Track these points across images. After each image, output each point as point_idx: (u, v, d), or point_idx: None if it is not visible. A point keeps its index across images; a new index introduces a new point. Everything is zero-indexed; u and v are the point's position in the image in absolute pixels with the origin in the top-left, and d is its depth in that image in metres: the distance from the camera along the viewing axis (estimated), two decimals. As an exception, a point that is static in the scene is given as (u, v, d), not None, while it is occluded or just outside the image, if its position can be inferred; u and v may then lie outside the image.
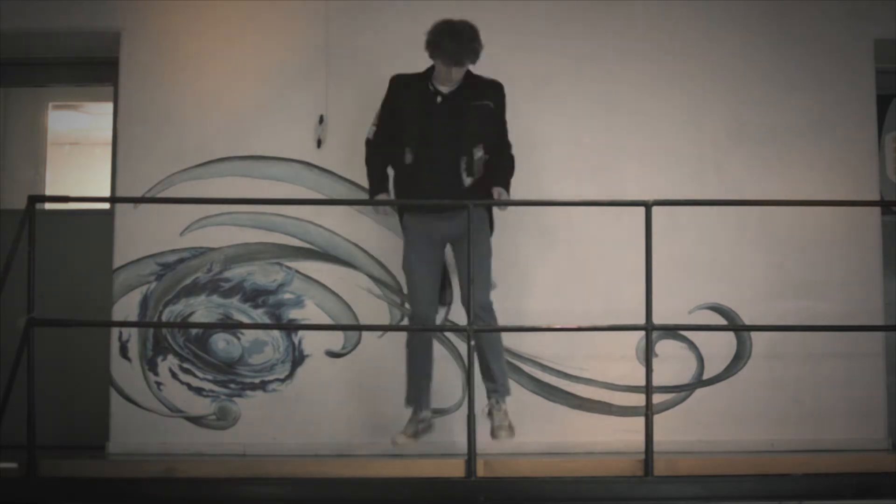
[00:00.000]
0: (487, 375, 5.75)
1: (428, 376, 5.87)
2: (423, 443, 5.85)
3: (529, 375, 6.41)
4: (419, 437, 5.82)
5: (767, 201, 6.22)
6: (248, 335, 6.43)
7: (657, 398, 6.16)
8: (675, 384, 6.40)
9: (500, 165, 5.81)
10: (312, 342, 6.41)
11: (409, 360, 5.85)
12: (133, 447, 6.25)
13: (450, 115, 5.74)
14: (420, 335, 5.82)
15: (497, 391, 5.76)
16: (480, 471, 5.09)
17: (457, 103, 5.75)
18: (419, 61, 5.79)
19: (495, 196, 5.69)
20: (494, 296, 5.85)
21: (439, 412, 6.14)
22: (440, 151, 5.71)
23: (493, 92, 5.83)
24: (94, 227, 6.67)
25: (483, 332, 5.64)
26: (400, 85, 5.86)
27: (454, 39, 5.62)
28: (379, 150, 5.88)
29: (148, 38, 6.56)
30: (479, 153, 5.77)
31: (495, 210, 5.91)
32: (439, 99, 5.75)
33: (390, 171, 5.92)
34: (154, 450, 6.23)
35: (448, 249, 5.96)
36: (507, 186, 5.77)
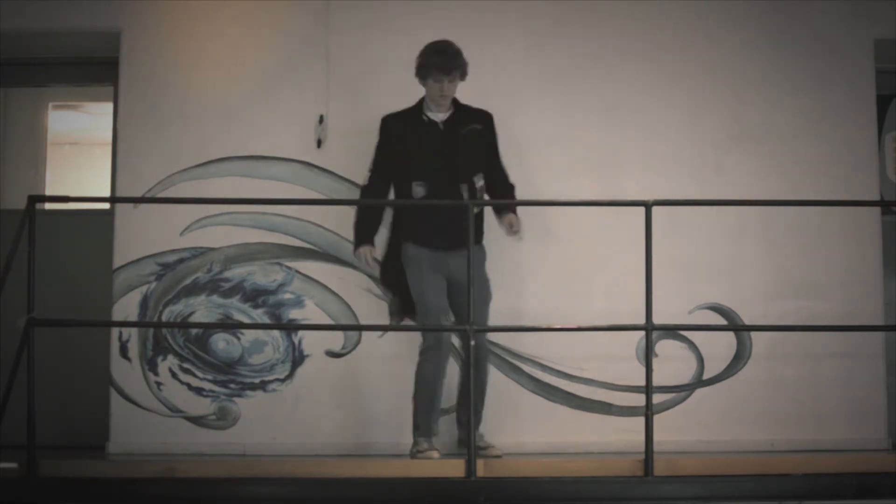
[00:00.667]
0: (477, 415, 5.46)
1: (439, 405, 5.79)
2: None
3: (529, 375, 6.41)
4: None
5: (767, 201, 6.21)
6: (248, 335, 6.42)
7: (657, 398, 6.16)
8: (675, 384, 6.40)
9: (506, 194, 5.85)
10: (312, 342, 6.40)
11: (423, 390, 5.73)
12: (133, 447, 6.25)
13: (448, 143, 5.75)
14: (437, 364, 5.71)
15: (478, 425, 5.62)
16: (480, 471, 5.09)
17: (452, 131, 5.77)
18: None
19: (505, 223, 5.76)
20: (495, 293, 5.89)
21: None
22: (445, 182, 5.72)
23: (482, 118, 5.85)
24: (94, 227, 6.67)
25: (483, 331, 5.64)
26: (393, 123, 5.85)
27: (440, 54, 5.68)
28: (377, 197, 5.84)
29: (148, 38, 6.56)
30: (479, 182, 5.80)
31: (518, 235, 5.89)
32: (440, 127, 5.77)
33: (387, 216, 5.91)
34: (154, 450, 6.22)
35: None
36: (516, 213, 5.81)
